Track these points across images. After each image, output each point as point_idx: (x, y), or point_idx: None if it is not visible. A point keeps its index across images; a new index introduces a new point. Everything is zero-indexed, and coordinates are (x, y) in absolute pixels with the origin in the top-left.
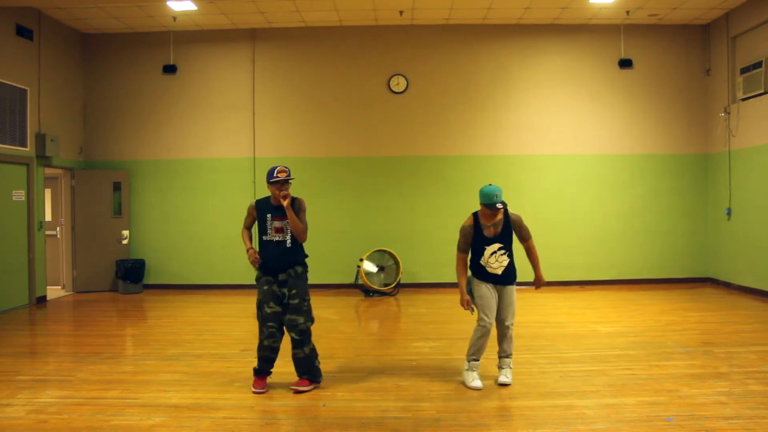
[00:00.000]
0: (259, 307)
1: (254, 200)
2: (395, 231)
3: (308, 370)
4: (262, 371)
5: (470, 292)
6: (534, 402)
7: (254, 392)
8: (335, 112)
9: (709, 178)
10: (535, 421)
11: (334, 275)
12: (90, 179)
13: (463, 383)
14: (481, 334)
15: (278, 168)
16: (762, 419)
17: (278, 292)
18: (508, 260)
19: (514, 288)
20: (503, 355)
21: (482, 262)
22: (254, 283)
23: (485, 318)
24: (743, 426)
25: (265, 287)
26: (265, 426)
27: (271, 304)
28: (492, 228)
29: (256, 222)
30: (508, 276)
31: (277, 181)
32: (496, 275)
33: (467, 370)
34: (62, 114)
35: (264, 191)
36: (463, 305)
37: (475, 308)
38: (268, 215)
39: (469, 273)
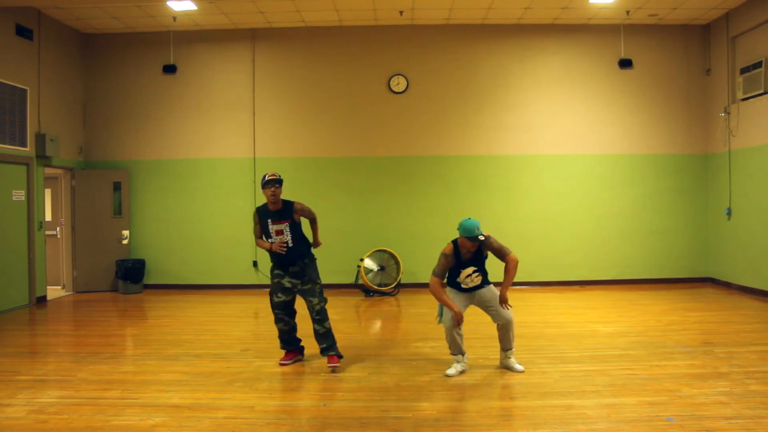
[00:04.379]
0: (270, 296)
1: (255, 210)
2: (395, 231)
3: (331, 344)
4: (285, 347)
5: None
6: (534, 402)
7: (280, 364)
8: (335, 112)
9: (709, 178)
10: (535, 421)
11: (335, 275)
12: (90, 179)
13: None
14: (446, 333)
15: (269, 173)
16: (762, 419)
17: (287, 283)
18: (482, 278)
19: (489, 286)
20: (507, 347)
21: (458, 280)
22: (254, 282)
23: (447, 321)
24: (744, 426)
25: (275, 280)
26: (265, 426)
27: (279, 294)
28: (468, 254)
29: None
30: (481, 285)
31: (269, 181)
32: (468, 288)
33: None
34: (62, 114)
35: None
36: (458, 320)
37: (442, 316)
38: (268, 220)
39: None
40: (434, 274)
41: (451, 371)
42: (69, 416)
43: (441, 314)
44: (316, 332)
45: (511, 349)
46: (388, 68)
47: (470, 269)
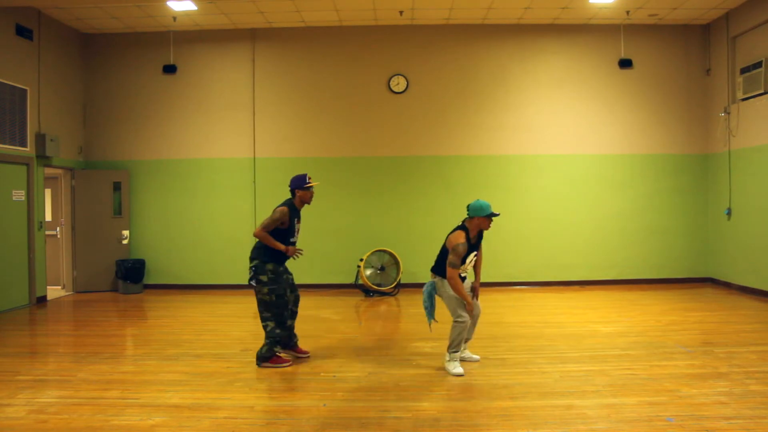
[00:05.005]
0: (282, 295)
1: (285, 206)
2: (395, 231)
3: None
4: (281, 347)
5: (431, 296)
6: (534, 402)
7: (287, 365)
8: (335, 112)
9: (709, 178)
10: (535, 421)
11: (335, 275)
12: (90, 179)
13: (447, 371)
14: (461, 330)
15: (307, 175)
16: (762, 419)
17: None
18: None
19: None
20: (468, 338)
21: (460, 269)
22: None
23: (464, 315)
24: (743, 426)
25: (284, 276)
26: (265, 426)
27: (289, 290)
28: (474, 237)
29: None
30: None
31: (311, 186)
32: (464, 277)
33: (449, 360)
34: (62, 114)
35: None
36: (470, 308)
37: (435, 321)
38: (295, 219)
39: (436, 278)
40: (453, 266)
41: (459, 370)
42: (69, 416)
43: (432, 316)
44: (290, 327)
45: (470, 339)
46: (388, 68)
47: (473, 254)
